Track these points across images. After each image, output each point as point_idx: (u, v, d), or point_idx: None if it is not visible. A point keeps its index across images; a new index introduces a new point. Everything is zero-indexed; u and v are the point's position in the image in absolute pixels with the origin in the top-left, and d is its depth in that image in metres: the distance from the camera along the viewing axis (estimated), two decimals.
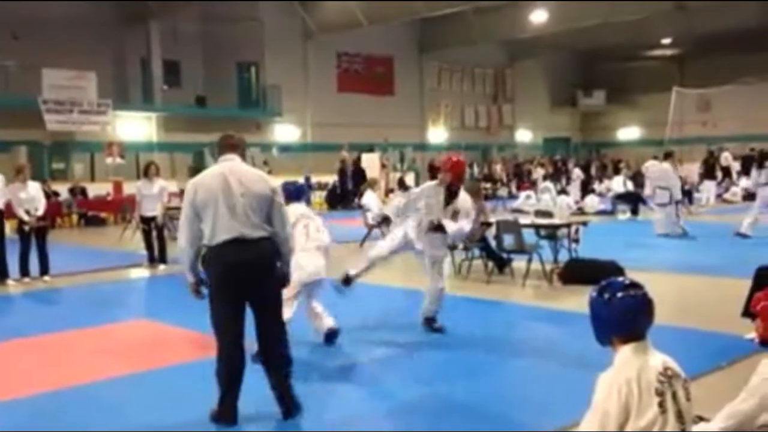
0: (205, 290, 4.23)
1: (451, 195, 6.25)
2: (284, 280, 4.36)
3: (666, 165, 13.61)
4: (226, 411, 4.17)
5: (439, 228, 6.18)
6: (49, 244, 10.04)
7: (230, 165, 4.23)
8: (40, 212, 9.78)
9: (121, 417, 4.43)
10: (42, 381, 5.22)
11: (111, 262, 11.45)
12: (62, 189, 19.67)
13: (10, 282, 9.58)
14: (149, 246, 10.97)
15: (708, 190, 21.20)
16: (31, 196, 9.74)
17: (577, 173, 24.92)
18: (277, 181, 4.55)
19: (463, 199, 6.30)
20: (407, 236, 6.35)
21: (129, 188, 18.78)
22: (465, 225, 6.25)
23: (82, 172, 22.02)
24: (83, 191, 20.18)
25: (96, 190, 20.73)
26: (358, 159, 25.14)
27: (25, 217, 9.61)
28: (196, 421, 4.27)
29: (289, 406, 4.24)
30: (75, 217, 19.36)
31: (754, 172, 13.04)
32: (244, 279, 4.08)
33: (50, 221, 18.47)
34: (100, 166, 22.07)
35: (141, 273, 10.78)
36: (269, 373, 4.27)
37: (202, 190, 4.12)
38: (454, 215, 6.20)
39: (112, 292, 9.33)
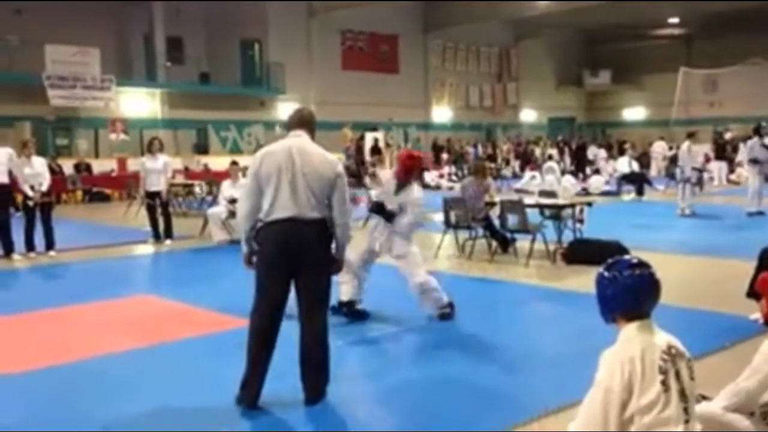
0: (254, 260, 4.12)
1: (400, 187, 5.99)
2: (335, 265, 4.22)
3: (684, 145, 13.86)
4: (248, 393, 4.04)
5: (380, 211, 5.94)
6: (54, 219, 10.07)
7: (298, 142, 4.14)
8: (45, 188, 9.79)
9: (125, 391, 4.47)
10: (47, 355, 5.26)
11: (116, 238, 11.49)
12: (67, 165, 19.68)
13: (15, 257, 9.63)
14: (154, 222, 11.00)
15: (720, 170, 21.18)
16: (36, 172, 9.75)
17: (602, 154, 24.67)
18: None
19: (411, 193, 5.96)
20: (370, 243, 6.14)
21: (133, 165, 18.82)
22: (404, 217, 5.91)
23: (86, 148, 22.03)
24: (88, 167, 20.20)
25: (100, 166, 20.75)
26: (362, 138, 25.07)
27: (30, 193, 9.63)
28: (200, 396, 4.31)
29: (313, 396, 4.11)
30: (80, 193, 19.40)
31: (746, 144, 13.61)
32: (292, 259, 3.99)
33: (55, 197, 18.61)
34: (104, 142, 22.07)
35: (146, 249, 10.82)
36: (305, 383, 4.12)
37: (267, 163, 4.03)
38: (402, 208, 5.93)
39: (117, 267, 9.37)
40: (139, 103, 23.16)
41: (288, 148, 4.06)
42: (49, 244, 9.87)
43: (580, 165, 25.22)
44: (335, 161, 4.26)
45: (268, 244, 4.02)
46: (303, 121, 4.27)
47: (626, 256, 2.74)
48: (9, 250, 9.64)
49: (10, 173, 9.60)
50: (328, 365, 4.19)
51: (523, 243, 8.95)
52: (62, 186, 18.87)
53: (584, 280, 7.17)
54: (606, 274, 2.61)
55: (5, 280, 8.64)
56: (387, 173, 6.69)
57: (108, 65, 21.31)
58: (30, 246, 9.77)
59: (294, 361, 4.14)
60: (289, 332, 4.20)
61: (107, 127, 21.76)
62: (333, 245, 4.19)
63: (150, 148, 11.19)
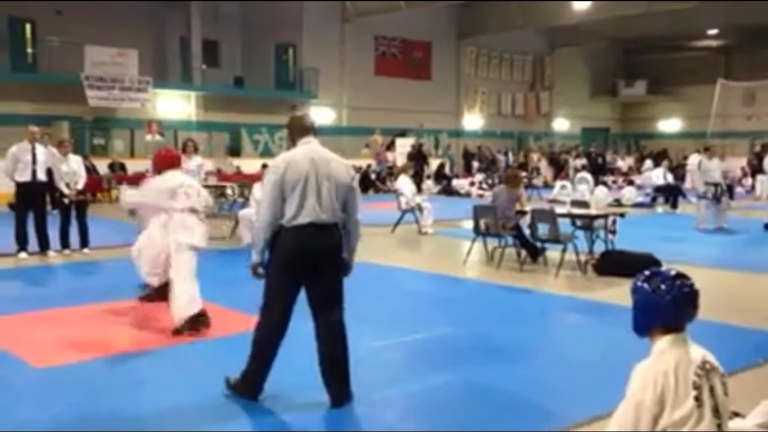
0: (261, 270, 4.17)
1: None
2: (347, 269, 4.32)
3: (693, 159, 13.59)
4: (250, 385, 4.18)
5: None
6: (88, 218, 10.23)
7: (315, 148, 4.22)
8: (80, 186, 9.97)
9: (152, 387, 4.52)
10: (78, 350, 5.35)
11: None
12: (102, 164, 20.01)
13: (50, 253, 9.81)
14: None
15: (762, 183, 20.79)
16: (72, 170, 9.93)
17: (647, 164, 24.34)
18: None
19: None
20: None
21: None
22: None
23: (121, 148, 22.37)
24: (123, 167, 20.50)
25: (135, 166, 21.03)
26: (392, 143, 25.12)
27: (66, 190, 9.81)
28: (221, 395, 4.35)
29: (338, 398, 4.18)
30: (114, 193, 19.69)
31: None
32: (311, 263, 4.09)
33: (91, 196, 18.91)
34: (140, 142, 22.39)
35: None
36: (330, 387, 4.19)
37: (292, 170, 4.08)
38: None
39: None
40: (174, 105, 23.47)
41: (310, 156, 4.15)
42: (84, 242, 10.03)
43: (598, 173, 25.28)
44: (350, 167, 4.41)
45: (289, 246, 4.08)
46: (311, 128, 4.34)
47: (665, 268, 2.70)
48: (45, 246, 9.83)
49: (49, 172, 9.79)
50: (349, 365, 4.26)
51: (553, 253, 8.88)
52: (97, 185, 19.20)
53: (616, 291, 7.08)
54: (645, 285, 2.56)
55: (40, 276, 8.80)
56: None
57: (145, 67, 21.63)
58: (65, 243, 9.94)
59: (309, 361, 4.15)
60: (302, 330, 4.21)
61: (143, 128, 22.08)
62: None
63: (184, 149, 11.32)
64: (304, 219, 4.04)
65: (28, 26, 20.16)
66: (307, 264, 4.09)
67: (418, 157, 23.89)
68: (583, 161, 27.78)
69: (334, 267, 4.19)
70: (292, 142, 4.33)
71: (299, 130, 4.31)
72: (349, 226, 4.24)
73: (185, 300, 5.71)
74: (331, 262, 4.17)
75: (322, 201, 4.07)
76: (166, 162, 6.17)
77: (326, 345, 4.21)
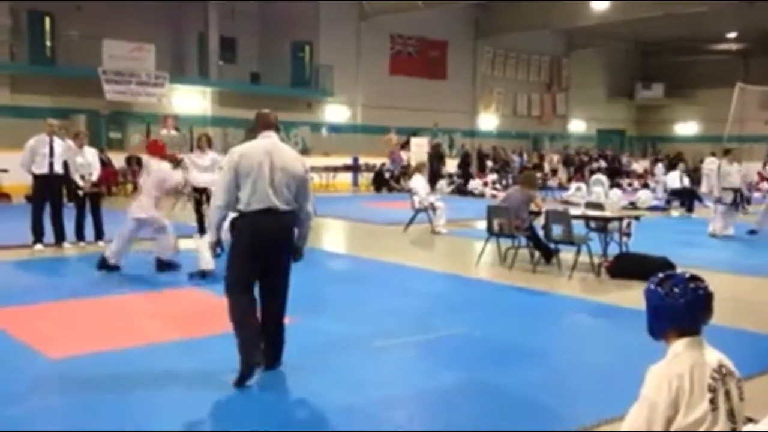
0: (219, 250, 4.85)
1: None
2: (298, 252, 4.71)
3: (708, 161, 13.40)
4: (253, 355, 4.42)
5: None
6: (104, 211, 10.30)
7: (273, 142, 4.61)
8: (95, 178, 10.06)
9: (164, 381, 4.55)
10: (92, 341, 5.39)
11: None
12: (118, 158, 20.14)
13: (66, 245, 9.89)
14: (200, 217, 11.15)
15: None
16: (87, 162, 10.02)
17: (659, 168, 24.22)
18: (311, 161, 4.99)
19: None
20: None
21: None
22: None
23: (137, 142, 22.50)
24: (138, 161, 20.60)
25: None
26: (407, 142, 25.12)
27: (80, 182, 9.89)
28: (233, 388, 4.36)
29: (274, 357, 4.63)
30: (130, 186, 19.83)
31: None
32: (268, 246, 4.48)
33: (106, 189, 19.02)
34: (156, 137, 22.50)
35: (191, 244, 10.96)
36: (267, 354, 4.60)
37: (246, 160, 4.44)
38: None
39: None
40: (190, 100, 23.57)
41: (265, 147, 4.54)
42: (99, 234, 10.10)
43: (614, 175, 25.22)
44: (304, 159, 4.80)
45: (246, 231, 4.46)
46: (271, 124, 4.70)
47: (680, 271, 2.68)
48: (60, 238, 9.91)
49: (65, 164, 9.86)
50: (284, 340, 4.70)
51: (566, 255, 8.84)
52: (113, 178, 19.33)
53: (629, 294, 7.05)
54: (659, 289, 2.53)
55: (55, 268, 8.88)
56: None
57: (163, 62, 21.74)
58: (80, 236, 10.02)
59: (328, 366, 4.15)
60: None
61: (159, 123, 22.19)
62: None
63: (199, 144, 11.37)
64: (257, 205, 4.41)
65: (47, 20, 20.31)
66: (263, 246, 4.46)
67: (435, 157, 23.98)
68: (599, 163, 27.66)
69: (286, 251, 4.59)
70: (255, 134, 4.71)
71: (262, 124, 4.69)
72: (301, 216, 4.61)
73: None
74: (284, 247, 4.57)
75: (275, 189, 4.42)
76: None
77: (270, 324, 4.60)
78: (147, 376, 4.64)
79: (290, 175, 4.49)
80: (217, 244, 4.72)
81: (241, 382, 4.35)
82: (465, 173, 25.14)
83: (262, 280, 4.56)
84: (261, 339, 4.54)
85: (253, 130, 4.80)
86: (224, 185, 4.48)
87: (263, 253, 4.47)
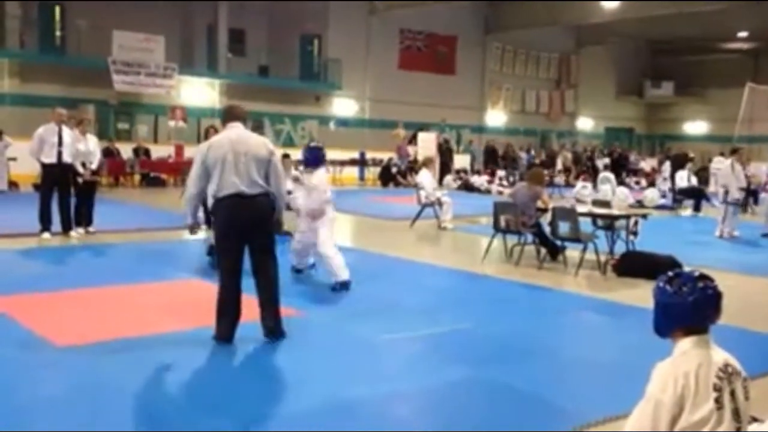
0: (198, 231, 5.41)
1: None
2: (277, 226, 5.17)
3: (727, 161, 13.19)
4: (222, 329, 4.96)
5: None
6: (111, 201, 10.35)
7: (237, 131, 5.03)
8: (95, 166, 10.11)
9: (166, 370, 4.56)
10: (95, 331, 5.40)
11: (169, 222, 11.71)
12: (126, 149, 20.21)
13: (73, 234, 9.94)
14: (206, 209, 11.16)
15: None
16: (89, 150, 10.06)
17: (666, 167, 24.05)
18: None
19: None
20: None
21: (189, 152, 19.17)
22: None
23: (145, 133, 22.54)
24: (146, 152, 20.69)
25: (158, 151, 21.22)
26: (414, 137, 25.10)
27: (80, 169, 9.92)
28: (240, 379, 4.37)
29: (272, 329, 5.03)
30: (137, 177, 19.89)
31: None
32: (242, 227, 4.93)
33: (114, 180, 19.09)
34: (163, 128, 22.56)
35: (197, 235, 11.01)
36: (266, 321, 5.04)
37: (213, 151, 4.90)
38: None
39: (167, 251, 9.54)
40: (198, 92, 23.60)
41: (229, 138, 4.97)
42: (88, 221, 10.16)
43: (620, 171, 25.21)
44: (268, 142, 5.17)
45: (221, 215, 4.96)
46: (237, 115, 5.14)
47: (687, 269, 2.67)
48: (68, 227, 9.95)
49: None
50: (279, 306, 5.11)
51: (573, 252, 8.82)
52: (120, 169, 19.39)
53: (635, 292, 7.03)
54: (668, 287, 2.53)
55: (62, 256, 8.92)
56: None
57: (172, 54, 21.76)
58: (78, 222, 10.09)
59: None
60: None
61: (167, 114, 22.24)
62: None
63: (207, 136, 11.38)
64: (226, 191, 4.85)
65: (57, 9, 20.36)
66: (239, 228, 4.91)
67: (444, 152, 23.97)
68: (606, 161, 27.55)
69: (262, 229, 5.01)
70: (223, 126, 5.17)
71: (229, 117, 5.15)
72: (275, 193, 5.03)
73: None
74: (259, 225, 4.98)
75: (240, 175, 4.84)
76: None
77: (264, 292, 5.05)
78: (156, 365, 4.65)
79: (255, 159, 4.89)
80: (193, 226, 5.19)
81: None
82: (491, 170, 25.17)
83: (251, 260, 5.02)
84: (233, 326, 4.99)
85: (222, 123, 5.22)
86: (195, 175, 4.97)
87: (238, 233, 4.92)
